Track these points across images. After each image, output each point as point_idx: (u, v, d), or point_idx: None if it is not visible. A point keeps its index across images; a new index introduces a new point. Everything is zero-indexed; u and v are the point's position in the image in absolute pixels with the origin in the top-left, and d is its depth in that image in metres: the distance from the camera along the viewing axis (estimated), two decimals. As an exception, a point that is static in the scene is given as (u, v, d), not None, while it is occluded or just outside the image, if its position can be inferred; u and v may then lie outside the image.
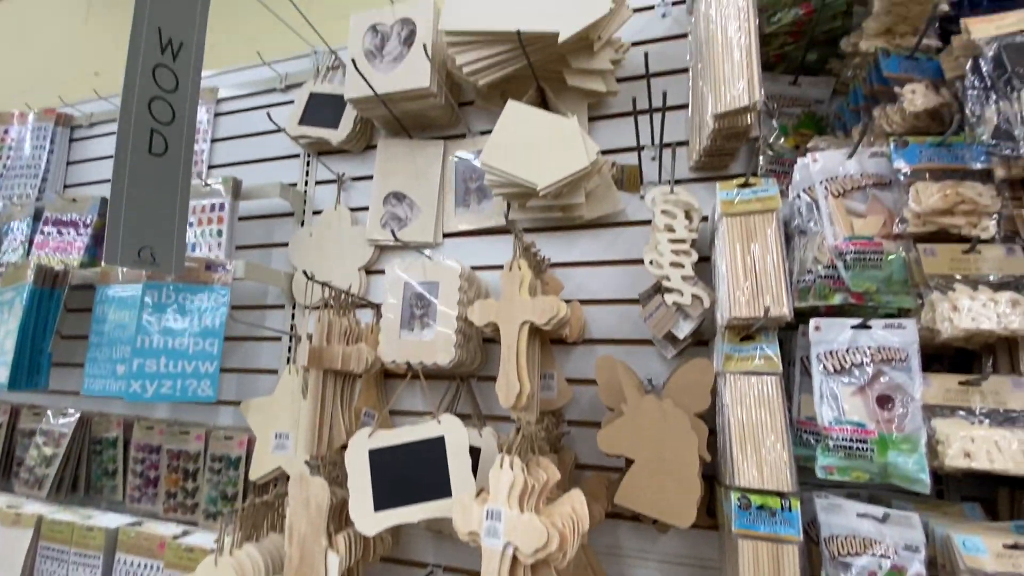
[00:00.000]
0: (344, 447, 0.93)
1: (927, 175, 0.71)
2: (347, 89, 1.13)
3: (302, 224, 1.33)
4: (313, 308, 1.23)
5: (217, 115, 1.49)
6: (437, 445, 0.86)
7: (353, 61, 1.02)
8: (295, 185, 1.35)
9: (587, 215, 1.04)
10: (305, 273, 1.04)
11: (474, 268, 1.14)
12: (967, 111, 0.70)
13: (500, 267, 1.15)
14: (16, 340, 1.19)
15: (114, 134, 1.67)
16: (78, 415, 1.39)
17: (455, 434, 0.87)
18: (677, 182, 1.03)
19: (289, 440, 1.12)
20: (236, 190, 1.25)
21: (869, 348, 0.70)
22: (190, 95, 1.02)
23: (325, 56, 1.38)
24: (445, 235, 1.19)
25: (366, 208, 1.27)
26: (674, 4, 1.11)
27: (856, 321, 0.72)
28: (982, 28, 0.69)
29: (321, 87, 1.32)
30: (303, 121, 1.29)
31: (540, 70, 1.03)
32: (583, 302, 1.05)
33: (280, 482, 1.10)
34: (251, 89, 1.48)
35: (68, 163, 1.67)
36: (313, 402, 1.00)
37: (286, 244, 1.32)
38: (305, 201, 1.34)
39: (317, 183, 1.34)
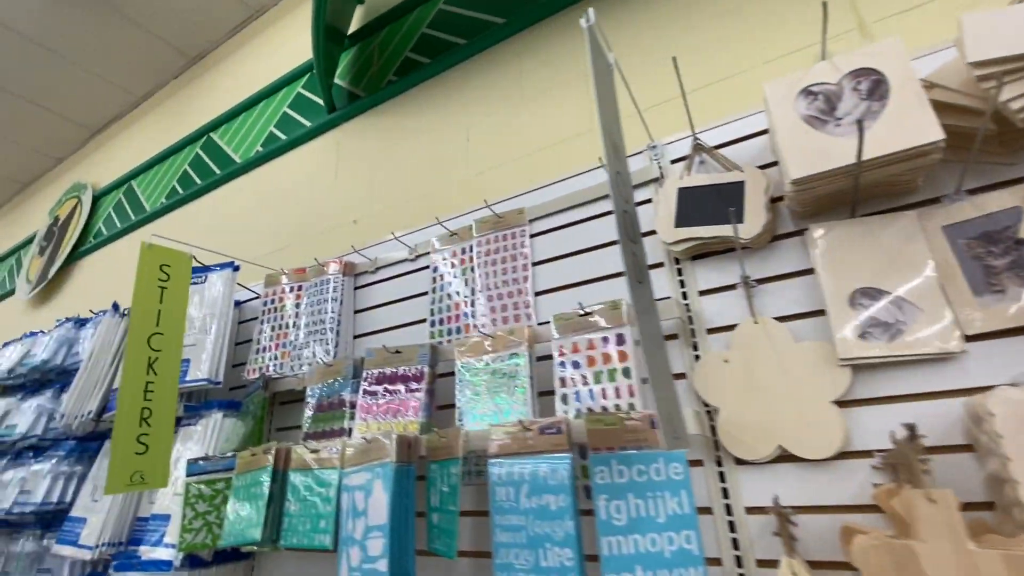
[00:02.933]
0: None
1: None
2: (792, 168, 0.87)
3: (694, 348, 1.03)
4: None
5: (531, 236, 1.32)
6: None
7: (859, 124, 0.76)
8: (667, 298, 1.08)
9: None
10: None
11: (1044, 383, 0.75)
12: None
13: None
14: (387, 543, 0.93)
15: (395, 277, 1.56)
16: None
17: None
18: None
19: None
20: (630, 314, 0.99)
21: None
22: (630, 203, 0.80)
23: (662, 149, 1.18)
24: (968, 338, 0.82)
25: (792, 317, 0.95)
26: None
27: None
28: None
29: (690, 180, 1.09)
30: (681, 223, 1.05)
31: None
32: None
33: None
34: (559, 206, 1.30)
35: (354, 312, 1.56)
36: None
37: (679, 375, 1.02)
38: (691, 319, 1.05)
39: (701, 293, 1.06)
